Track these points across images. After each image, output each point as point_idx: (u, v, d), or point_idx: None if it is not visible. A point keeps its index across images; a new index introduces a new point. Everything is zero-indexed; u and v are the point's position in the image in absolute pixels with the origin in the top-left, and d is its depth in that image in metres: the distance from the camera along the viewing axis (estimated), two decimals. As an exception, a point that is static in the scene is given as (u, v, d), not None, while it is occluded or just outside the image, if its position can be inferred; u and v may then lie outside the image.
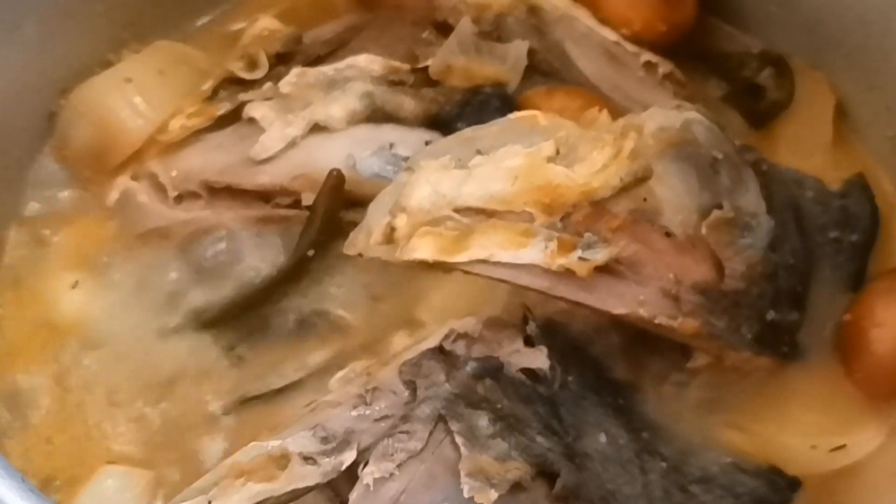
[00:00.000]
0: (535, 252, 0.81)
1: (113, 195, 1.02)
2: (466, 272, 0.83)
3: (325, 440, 0.78)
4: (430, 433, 0.79)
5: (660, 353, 0.90)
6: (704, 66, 1.09)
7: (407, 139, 1.00)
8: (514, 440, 0.79)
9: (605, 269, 0.82)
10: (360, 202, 0.93)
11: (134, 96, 1.02)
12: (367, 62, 1.03)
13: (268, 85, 1.02)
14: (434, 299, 0.96)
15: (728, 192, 0.89)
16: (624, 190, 0.85)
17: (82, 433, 0.94)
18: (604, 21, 1.04)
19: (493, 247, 0.82)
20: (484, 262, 0.82)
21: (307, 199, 0.98)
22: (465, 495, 0.76)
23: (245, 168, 0.99)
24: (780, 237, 0.91)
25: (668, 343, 0.89)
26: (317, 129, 1.00)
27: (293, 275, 0.97)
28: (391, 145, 0.99)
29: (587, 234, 0.82)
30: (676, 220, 0.86)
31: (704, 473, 0.87)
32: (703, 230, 0.87)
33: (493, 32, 1.05)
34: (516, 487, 0.77)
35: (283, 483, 0.76)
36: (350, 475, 0.78)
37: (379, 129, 1.00)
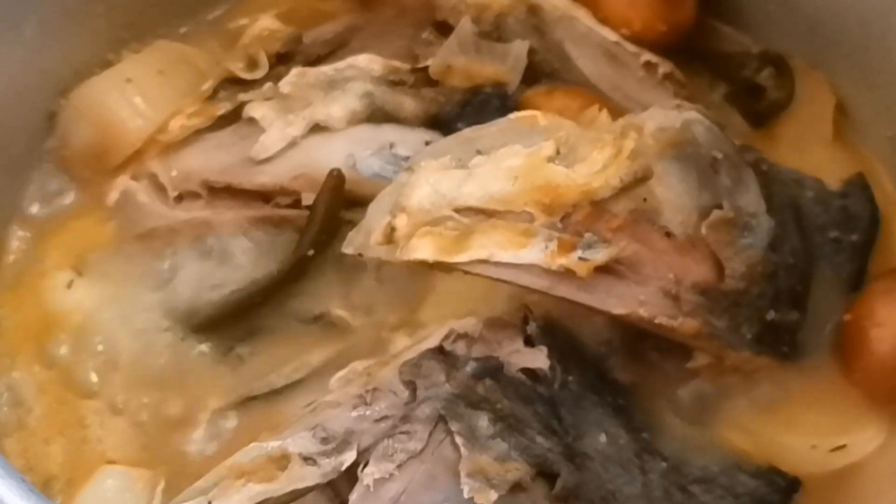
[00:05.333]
0: (535, 252, 0.82)
1: (113, 195, 1.02)
2: (466, 272, 0.83)
3: (325, 440, 0.79)
4: (430, 433, 0.79)
5: (660, 353, 0.90)
6: (704, 66, 1.09)
7: (407, 139, 1.00)
8: (514, 440, 0.79)
9: (605, 269, 0.82)
10: (360, 202, 0.93)
11: (134, 96, 1.02)
12: (367, 62, 1.03)
13: (268, 85, 1.02)
14: (434, 299, 0.96)
15: (728, 192, 0.89)
16: (624, 190, 0.85)
17: (81, 433, 0.94)
18: (604, 21, 1.04)
19: (493, 247, 0.82)
20: (484, 262, 0.82)
21: (307, 199, 0.98)
22: (465, 496, 0.76)
23: (245, 168, 0.99)
24: (780, 237, 0.91)
25: (668, 343, 0.89)
26: (317, 129, 1.00)
27: (293, 275, 0.97)
28: (391, 145, 0.99)
29: (587, 234, 0.82)
30: (676, 220, 0.86)
31: (704, 473, 0.87)
32: (703, 230, 0.87)
33: (493, 32, 1.05)
34: (516, 488, 0.77)
35: (283, 483, 0.77)
36: (350, 475, 0.78)
37: (379, 129, 1.00)
